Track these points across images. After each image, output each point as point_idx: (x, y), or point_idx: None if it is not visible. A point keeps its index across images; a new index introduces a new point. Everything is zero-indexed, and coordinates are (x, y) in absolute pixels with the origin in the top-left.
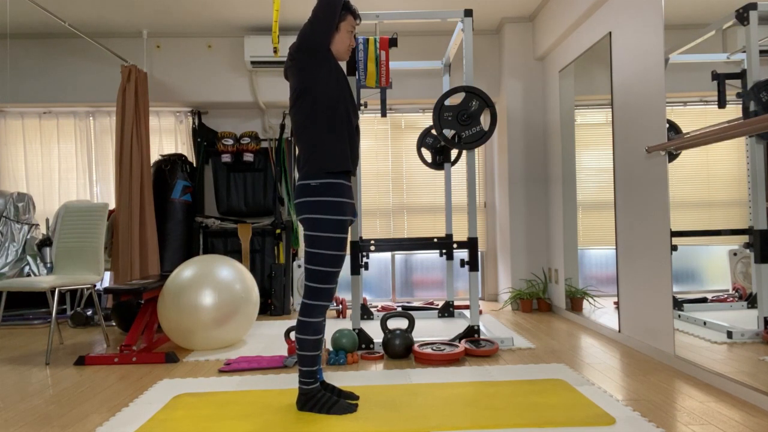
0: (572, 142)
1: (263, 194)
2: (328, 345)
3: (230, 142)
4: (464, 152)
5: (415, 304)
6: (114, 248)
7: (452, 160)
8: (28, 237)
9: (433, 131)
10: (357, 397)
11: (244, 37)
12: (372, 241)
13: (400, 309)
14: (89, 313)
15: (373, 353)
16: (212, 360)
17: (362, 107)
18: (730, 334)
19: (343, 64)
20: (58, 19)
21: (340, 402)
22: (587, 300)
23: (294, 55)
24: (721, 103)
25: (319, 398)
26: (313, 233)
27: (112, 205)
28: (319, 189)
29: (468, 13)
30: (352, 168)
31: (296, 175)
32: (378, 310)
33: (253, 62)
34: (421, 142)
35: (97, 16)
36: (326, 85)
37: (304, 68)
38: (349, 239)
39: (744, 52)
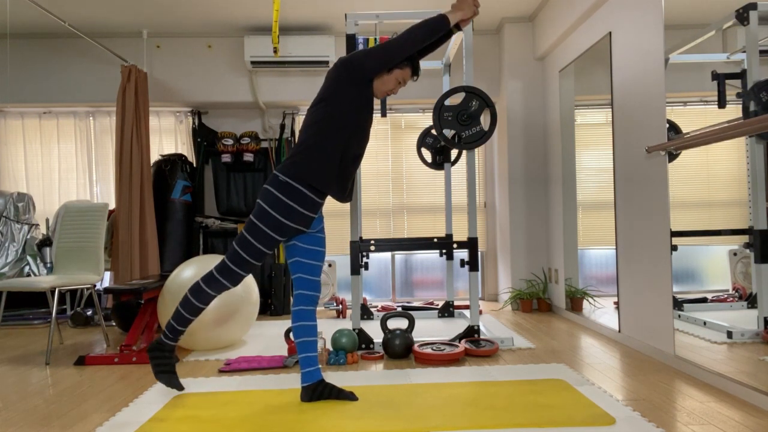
0: (572, 142)
1: None
2: (328, 345)
3: (230, 142)
4: (464, 152)
5: (415, 304)
6: (114, 248)
7: (452, 160)
8: (28, 237)
9: (433, 131)
10: (356, 398)
11: (244, 37)
12: (372, 241)
13: (400, 309)
14: (89, 313)
15: (373, 353)
16: (212, 360)
17: None
18: (730, 334)
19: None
20: (58, 19)
21: (173, 377)
22: (587, 300)
23: (338, 66)
24: (721, 103)
25: (164, 357)
26: (254, 220)
27: (112, 205)
28: (283, 186)
29: None
30: (328, 190)
31: None
32: (378, 310)
33: (253, 62)
34: (421, 142)
35: (97, 16)
36: (347, 108)
37: (338, 82)
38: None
39: (744, 52)
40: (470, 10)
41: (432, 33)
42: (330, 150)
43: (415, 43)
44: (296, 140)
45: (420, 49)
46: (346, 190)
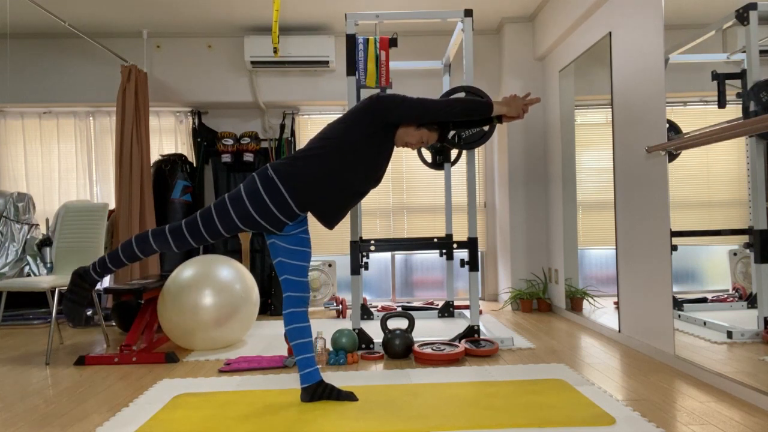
0: (572, 142)
1: None
2: (328, 345)
3: (230, 142)
4: (464, 152)
5: (415, 304)
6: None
7: (452, 160)
8: (28, 237)
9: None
10: (356, 399)
11: (244, 37)
12: (372, 241)
13: (400, 309)
14: (89, 313)
15: (373, 353)
16: (212, 360)
17: None
18: (730, 334)
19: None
20: (58, 19)
21: (79, 310)
22: (587, 300)
23: (372, 98)
24: (721, 103)
25: (83, 288)
26: (226, 200)
27: (112, 205)
28: (268, 181)
29: (468, 13)
30: (311, 207)
31: None
32: (378, 310)
33: (253, 62)
34: None
35: (97, 16)
36: (364, 140)
37: (366, 113)
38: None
39: (744, 52)
40: (516, 111)
41: (472, 112)
42: (330, 170)
43: (453, 113)
44: (297, 142)
45: (454, 121)
46: (332, 219)
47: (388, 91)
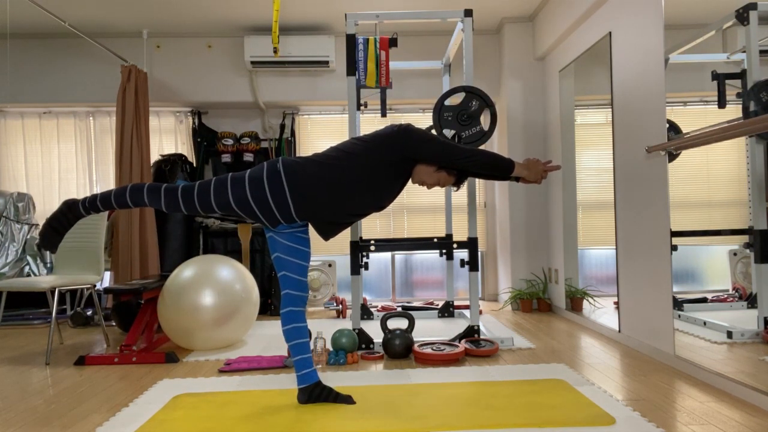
0: (572, 142)
1: None
2: (328, 345)
3: (230, 142)
4: None
5: (415, 304)
6: (114, 248)
7: None
8: (28, 237)
9: (433, 131)
10: (354, 402)
11: (244, 37)
12: (372, 241)
13: (400, 309)
14: (89, 313)
15: (373, 353)
16: (212, 360)
17: (362, 107)
18: (730, 334)
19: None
20: (58, 19)
21: (56, 239)
22: (587, 300)
23: (400, 127)
24: (721, 103)
25: (66, 219)
26: (228, 179)
27: None
28: (273, 174)
29: (468, 13)
30: (308, 215)
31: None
32: (378, 310)
33: (253, 62)
34: None
35: (97, 16)
36: (379, 166)
37: (390, 139)
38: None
39: (744, 52)
40: (535, 176)
41: (492, 166)
42: (333, 181)
43: (474, 163)
44: (297, 142)
45: (473, 171)
46: (327, 232)
47: (388, 92)
